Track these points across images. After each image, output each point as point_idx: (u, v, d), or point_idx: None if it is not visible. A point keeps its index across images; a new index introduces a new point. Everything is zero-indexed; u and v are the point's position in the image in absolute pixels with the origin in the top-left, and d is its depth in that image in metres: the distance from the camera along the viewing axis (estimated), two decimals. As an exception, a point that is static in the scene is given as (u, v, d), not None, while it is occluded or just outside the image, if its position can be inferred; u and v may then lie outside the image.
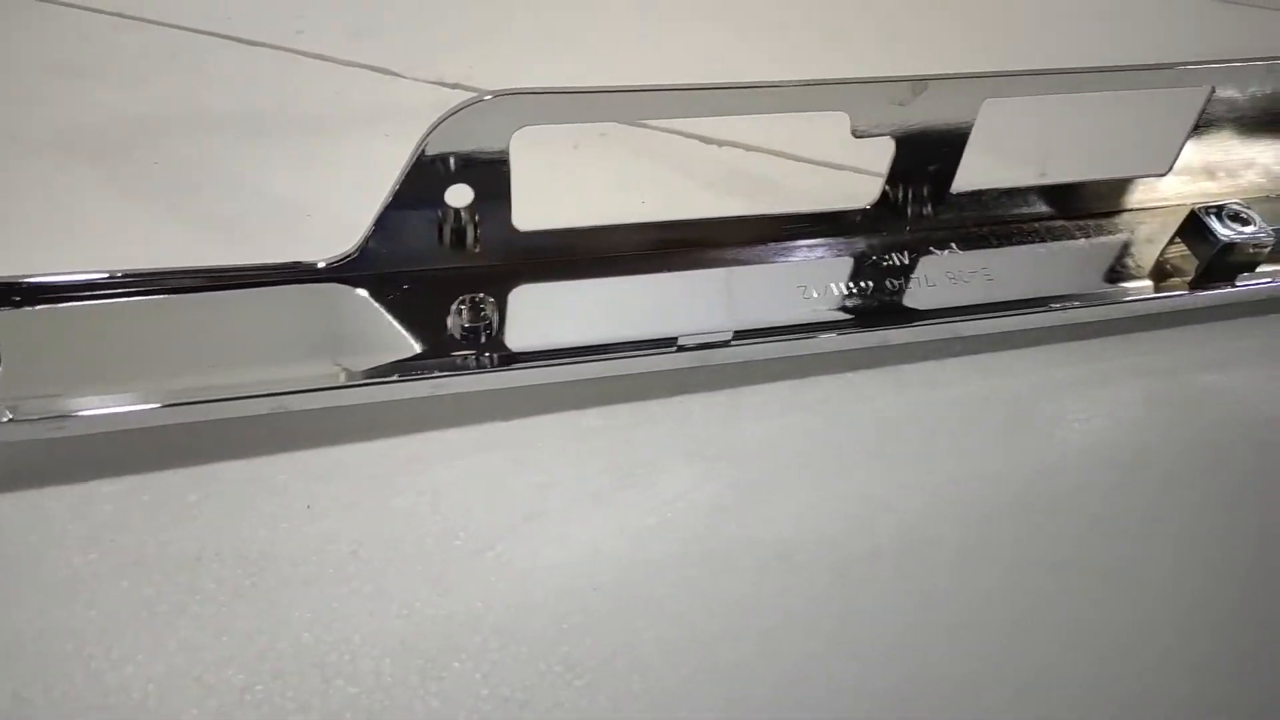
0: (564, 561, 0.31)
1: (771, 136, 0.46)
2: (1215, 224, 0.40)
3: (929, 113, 0.38)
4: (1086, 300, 0.39)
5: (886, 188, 0.40)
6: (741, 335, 0.36)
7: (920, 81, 0.37)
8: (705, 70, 0.50)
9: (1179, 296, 0.40)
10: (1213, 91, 0.41)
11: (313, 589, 0.30)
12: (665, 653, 0.29)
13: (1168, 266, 0.41)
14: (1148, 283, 0.41)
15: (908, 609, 0.31)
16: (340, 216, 0.36)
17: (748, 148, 0.47)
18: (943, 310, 0.39)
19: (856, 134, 0.37)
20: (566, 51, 0.52)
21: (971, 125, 0.38)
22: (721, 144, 0.47)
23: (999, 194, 0.42)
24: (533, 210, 0.37)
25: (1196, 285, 0.41)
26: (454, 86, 0.49)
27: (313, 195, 0.42)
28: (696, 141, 0.47)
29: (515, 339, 0.35)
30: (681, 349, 0.35)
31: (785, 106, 0.37)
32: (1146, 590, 0.32)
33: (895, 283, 0.40)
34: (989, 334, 0.39)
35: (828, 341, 0.37)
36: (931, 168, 0.40)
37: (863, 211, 0.40)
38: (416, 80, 0.49)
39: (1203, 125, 0.42)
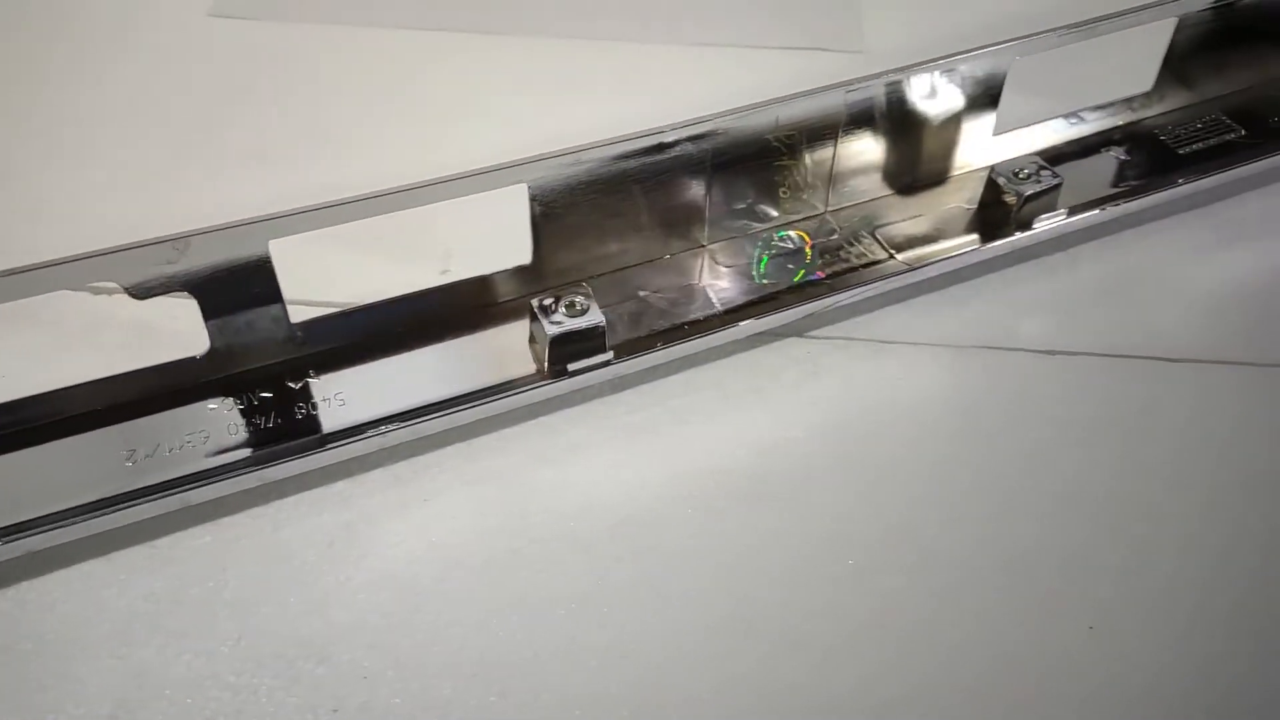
0: None
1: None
2: (545, 319, 0.41)
3: (216, 262, 0.37)
4: (414, 416, 0.40)
5: (211, 336, 0.40)
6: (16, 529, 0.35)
7: (182, 240, 0.36)
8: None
9: (514, 395, 0.41)
10: (527, 190, 0.41)
11: None
12: None
13: (514, 363, 0.42)
14: (494, 381, 0.41)
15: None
16: None
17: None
18: (264, 457, 0.38)
19: (135, 296, 0.37)
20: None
21: (268, 260, 0.38)
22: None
23: (341, 315, 0.42)
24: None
25: (547, 376, 0.41)
26: None
27: None
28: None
29: None
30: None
31: (60, 285, 0.36)
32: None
33: (235, 426, 0.40)
34: (316, 469, 0.39)
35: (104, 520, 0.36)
36: (250, 308, 0.40)
37: (200, 359, 0.40)
38: None
39: (542, 217, 0.43)
